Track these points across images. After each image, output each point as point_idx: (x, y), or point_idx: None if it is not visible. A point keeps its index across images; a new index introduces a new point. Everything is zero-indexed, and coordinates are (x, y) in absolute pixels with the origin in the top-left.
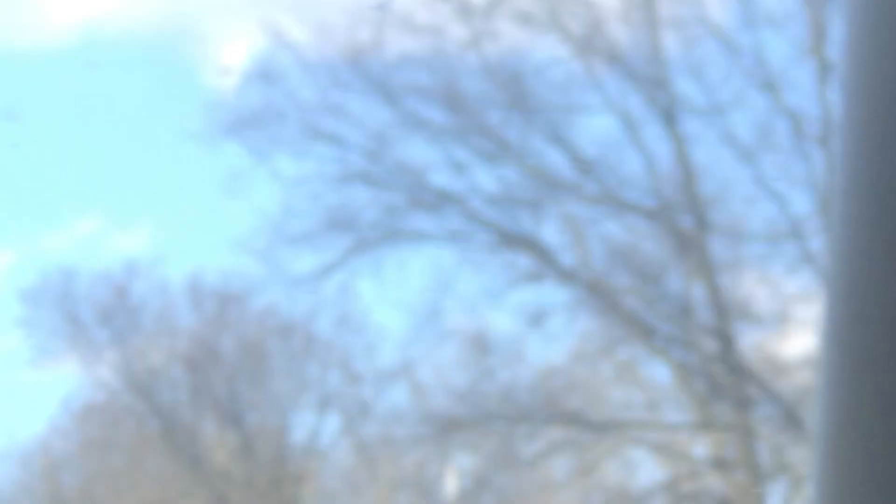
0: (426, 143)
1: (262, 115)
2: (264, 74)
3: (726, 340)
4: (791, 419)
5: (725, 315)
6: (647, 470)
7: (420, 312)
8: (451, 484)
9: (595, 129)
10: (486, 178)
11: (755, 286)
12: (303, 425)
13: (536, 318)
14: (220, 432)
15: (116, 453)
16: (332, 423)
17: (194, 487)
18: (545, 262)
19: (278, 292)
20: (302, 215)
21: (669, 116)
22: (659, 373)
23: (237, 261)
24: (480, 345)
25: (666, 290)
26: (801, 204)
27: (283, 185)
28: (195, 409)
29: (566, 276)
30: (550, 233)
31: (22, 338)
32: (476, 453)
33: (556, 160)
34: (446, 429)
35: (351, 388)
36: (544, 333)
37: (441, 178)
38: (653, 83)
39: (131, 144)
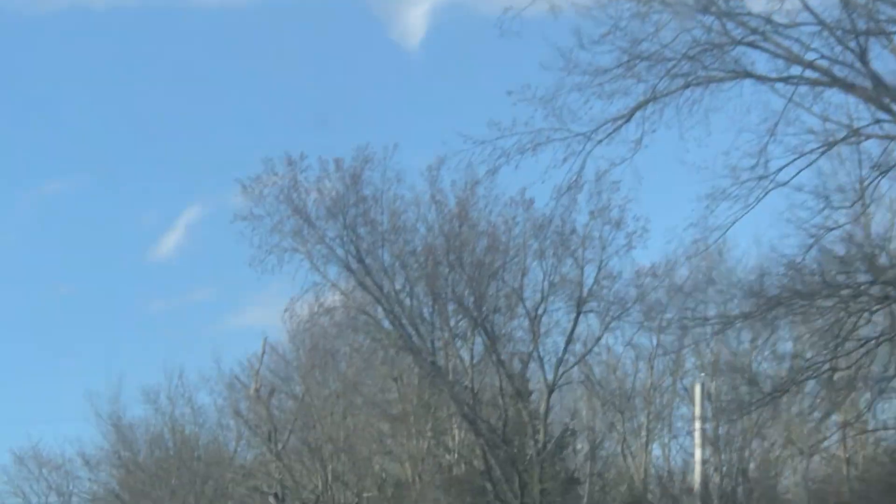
0: None
1: None
2: None
3: None
4: None
5: None
6: None
7: (736, 167)
8: (698, 395)
9: None
10: (816, 1)
11: None
12: (556, 328)
13: (881, 168)
14: (462, 338)
15: (338, 369)
16: (587, 326)
17: (432, 402)
18: (890, 100)
19: (563, 146)
20: (591, 50)
21: None
22: None
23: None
24: (811, 201)
25: None
26: None
27: (572, 13)
28: (435, 312)
29: None
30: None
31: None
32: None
33: None
34: (771, 305)
35: (610, 286)
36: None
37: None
38: None
39: (319, 93)
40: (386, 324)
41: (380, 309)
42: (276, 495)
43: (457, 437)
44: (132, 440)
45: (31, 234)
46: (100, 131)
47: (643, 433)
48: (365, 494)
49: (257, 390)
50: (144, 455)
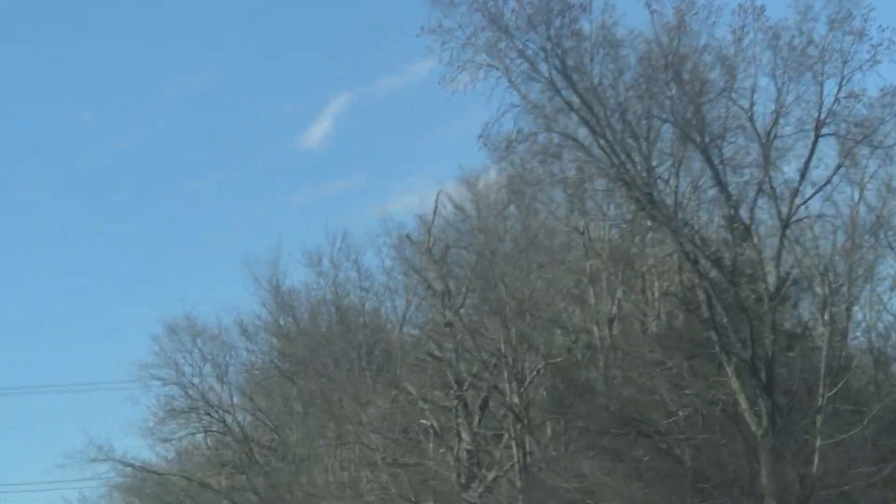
0: None
1: None
2: None
3: None
4: None
5: None
6: None
7: None
8: None
9: None
10: None
11: None
12: (788, 156)
13: None
14: (669, 178)
15: (524, 221)
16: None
17: (623, 254)
18: None
19: None
20: None
21: None
22: None
23: None
24: None
25: None
26: None
27: None
28: (650, 137)
29: None
30: None
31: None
32: None
33: None
34: None
35: (852, 106)
36: None
37: None
38: None
39: None
40: (595, 151)
41: (588, 134)
42: (451, 360)
43: (656, 290)
44: (293, 307)
45: (177, 123)
46: (246, 22)
47: (845, 291)
48: (550, 361)
49: (430, 248)
50: (306, 323)
